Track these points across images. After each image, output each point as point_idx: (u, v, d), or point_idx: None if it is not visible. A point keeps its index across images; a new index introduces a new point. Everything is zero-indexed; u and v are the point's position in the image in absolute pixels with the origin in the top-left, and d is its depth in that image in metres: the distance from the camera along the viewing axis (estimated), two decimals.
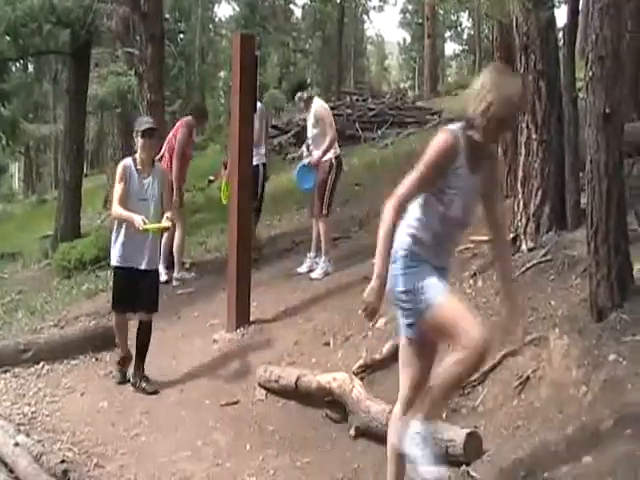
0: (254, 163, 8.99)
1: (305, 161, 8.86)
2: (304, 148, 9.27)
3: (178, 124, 10.41)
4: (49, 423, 6.66)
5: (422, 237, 3.88)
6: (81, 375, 7.78)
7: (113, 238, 7.11)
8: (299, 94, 9.03)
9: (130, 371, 7.36)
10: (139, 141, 7.03)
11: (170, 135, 10.30)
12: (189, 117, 10.46)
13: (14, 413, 6.79)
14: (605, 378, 4.69)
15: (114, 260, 7.13)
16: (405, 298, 3.86)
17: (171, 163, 9.90)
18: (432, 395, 3.91)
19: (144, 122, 7.24)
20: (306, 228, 9.13)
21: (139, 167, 7.01)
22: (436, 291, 3.79)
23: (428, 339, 3.99)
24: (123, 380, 7.39)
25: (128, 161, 7.09)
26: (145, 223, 6.65)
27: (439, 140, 3.81)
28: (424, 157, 3.83)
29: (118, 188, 6.91)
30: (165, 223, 6.79)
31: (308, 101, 8.99)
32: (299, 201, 12.04)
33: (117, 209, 6.86)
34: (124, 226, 6.93)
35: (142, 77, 11.30)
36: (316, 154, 8.76)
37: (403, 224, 3.86)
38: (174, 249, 10.12)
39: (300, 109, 9.12)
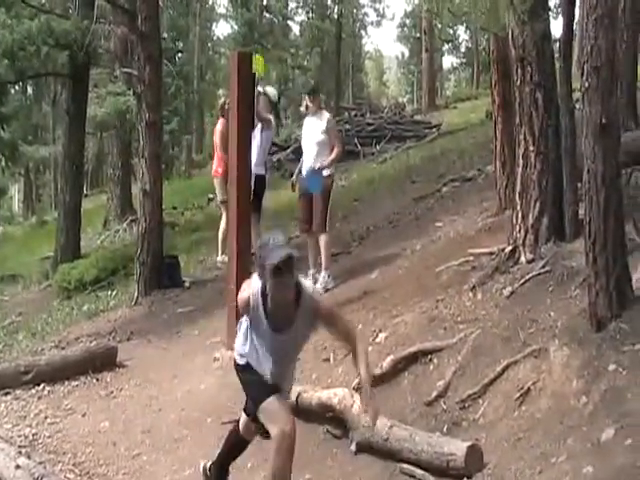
0: None
1: (316, 165, 8.72)
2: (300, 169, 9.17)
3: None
4: (50, 445, 6.64)
5: None
6: (82, 396, 7.75)
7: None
8: (318, 96, 9.08)
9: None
10: (271, 280, 4.45)
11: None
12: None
13: (15, 435, 6.77)
14: (605, 388, 4.68)
15: None
16: None
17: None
18: None
19: (276, 248, 4.41)
20: (304, 244, 9.13)
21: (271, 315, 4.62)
22: None
23: None
24: None
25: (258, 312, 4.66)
26: None
27: None
28: None
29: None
30: None
31: (320, 106, 9.01)
32: (297, 217, 12.04)
33: None
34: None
35: (140, 97, 11.31)
36: (320, 160, 8.71)
37: None
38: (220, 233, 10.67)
39: (307, 109, 9.05)
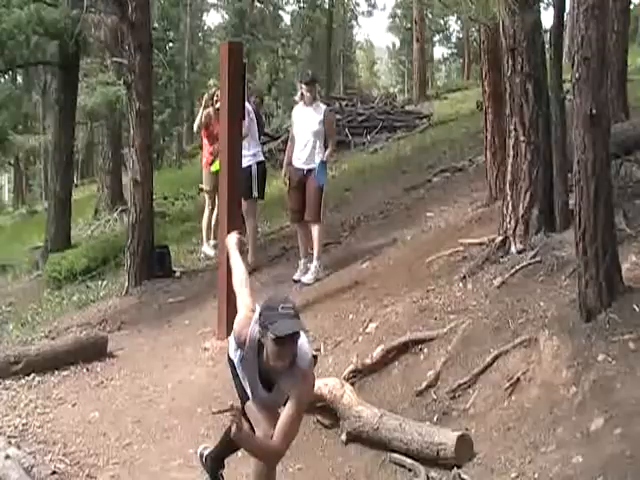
0: (246, 165, 9.41)
1: (324, 157, 8.78)
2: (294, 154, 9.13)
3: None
4: (40, 435, 6.61)
5: None
6: (72, 386, 7.73)
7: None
8: (315, 86, 9.05)
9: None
10: (271, 347, 4.18)
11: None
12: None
13: (5, 425, 6.73)
14: (595, 378, 4.70)
15: None
16: None
17: None
18: None
19: (284, 318, 4.11)
20: (295, 234, 9.13)
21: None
22: None
23: None
24: None
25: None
26: None
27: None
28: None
29: None
30: None
31: (315, 96, 8.98)
32: (288, 207, 12.02)
33: None
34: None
35: (131, 87, 11.25)
36: (321, 152, 8.79)
37: None
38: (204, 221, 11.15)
39: (302, 98, 8.99)
